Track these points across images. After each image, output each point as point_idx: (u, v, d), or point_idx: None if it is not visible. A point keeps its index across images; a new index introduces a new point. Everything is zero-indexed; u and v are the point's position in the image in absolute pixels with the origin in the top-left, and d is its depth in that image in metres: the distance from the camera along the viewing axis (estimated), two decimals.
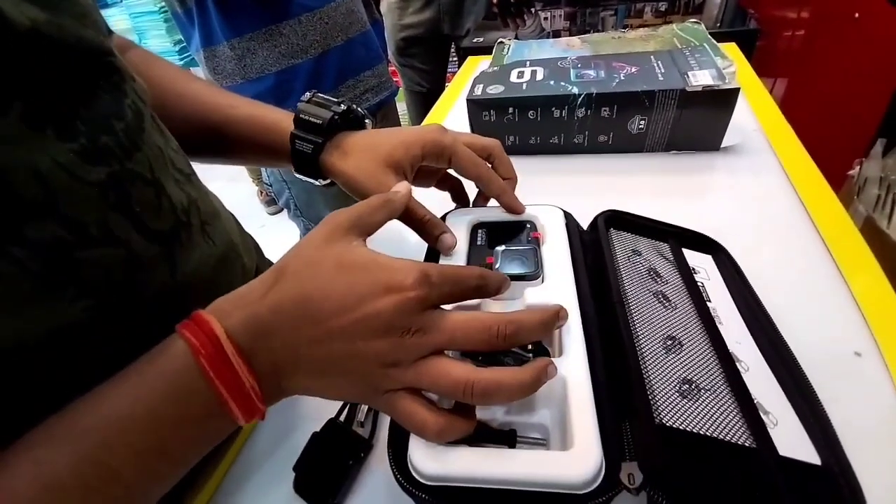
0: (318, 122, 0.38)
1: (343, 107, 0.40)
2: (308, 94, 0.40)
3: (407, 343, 0.23)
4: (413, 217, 0.35)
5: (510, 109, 0.60)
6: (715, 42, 0.77)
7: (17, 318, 0.20)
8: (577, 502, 0.25)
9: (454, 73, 1.61)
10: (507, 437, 0.30)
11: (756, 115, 0.65)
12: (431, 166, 0.39)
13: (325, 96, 0.40)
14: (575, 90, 0.57)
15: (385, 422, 0.36)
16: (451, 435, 0.24)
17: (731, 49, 0.87)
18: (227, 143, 0.43)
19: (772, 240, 0.47)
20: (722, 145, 0.58)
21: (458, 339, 0.24)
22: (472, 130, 0.63)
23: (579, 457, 0.26)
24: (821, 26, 1.43)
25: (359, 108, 0.42)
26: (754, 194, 0.53)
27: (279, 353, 0.23)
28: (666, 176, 0.57)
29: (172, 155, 0.31)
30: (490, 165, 0.39)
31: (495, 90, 0.61)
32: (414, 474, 0.26)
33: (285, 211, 1.09)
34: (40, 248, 0.20)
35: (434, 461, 0.26)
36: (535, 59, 0.74)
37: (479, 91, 0.61)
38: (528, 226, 0.39)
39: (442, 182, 0.44)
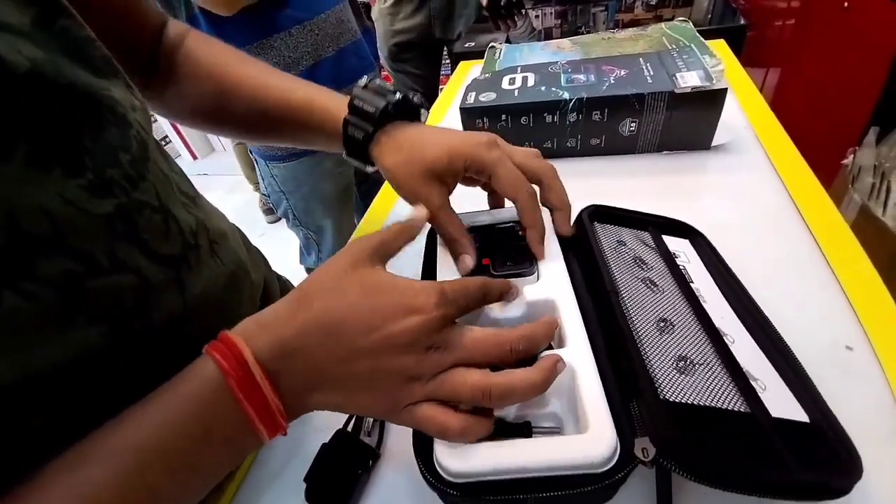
0: (371, 110, 0.38)
1: (398, 95, 0.39)
2: (365, 78, 0.40)
3: (429, 359, 0.25)
4: (444, 232, 0.37)
5: (503, 116, 0.61)
6: (703, 40, 0.78)
7: (33, 350, 0.21)
8: (597, 481, 0.27)
9: (447, 75, 1.62)
10: (523, 430, 0.32)
11: (746, 113, 0.66)
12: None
13: (382, 83, 0.40)
14: (566, 95, 0.58)
15: (391, 431, 0.38)
16: (474, 435, 0.27)
17: (719, 46, 0.88)
18: (285, 128, 0.44)
19: (763, 236, 0.48)
20: (713, 144, 0.59)
21: (476, 355, 0.26)
22: None
23: (595, 438, 0.28)
24: (811, 16, 1.43)
25: (414, 98, 0.41)
26: (745, 192, 0.54)
27: (304, 374, 0.25)
28: (658, 176, 0.58)
29: (177, 179, 0.32)
30: (539, 190, 0.39)
31: (487, 98, 0.62)
32: (442, 474, 0.27)
33: (284, 220, 1.10)
34: (51, 281, 0.21)
35: (460, 459, 0.27)
36: (526, 64, 0.75)
37: (471, 99, 0.62)
38: (517, 226, 0.41)
39: (486, 185, 0.43)
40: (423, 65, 1.52)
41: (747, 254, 0.45)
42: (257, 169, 1.00)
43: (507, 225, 0.42)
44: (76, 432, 0.21)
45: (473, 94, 0.63)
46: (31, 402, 0.22)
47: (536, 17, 1.92)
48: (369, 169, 0.42)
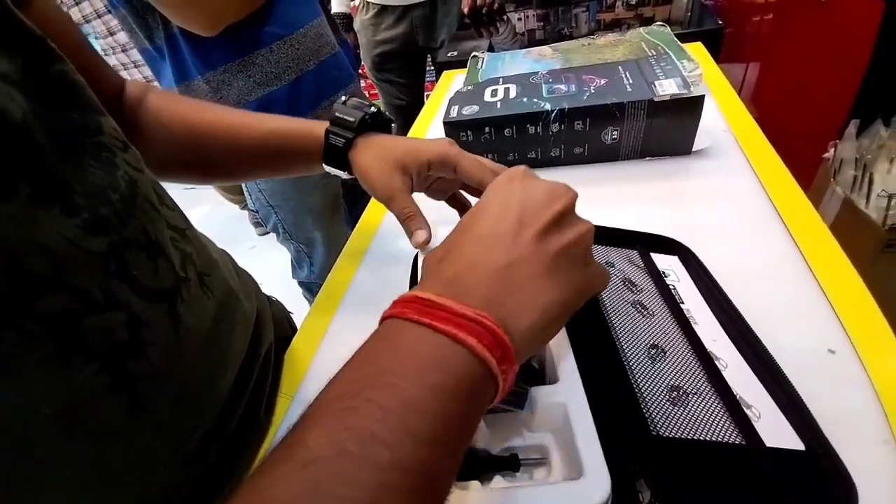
0: (351, 120, 0.44)
1: (374, 109, 0.46)
2: (344, 97, 0.47)
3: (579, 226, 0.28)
4: (399, 212, 0.41)
5: (486, 129, 0.61)
6: (680, 45, 0.79)
7: (32, 389, 0.21)
8: None
9: (433, 82, 1.63)
10: (510, 463, 0.32)
11: (725, 116, 0.67)
12: (443, 177, 0.44)
13: (359, 100, 0.46)
14: (548, 106, 0.59)
15: None
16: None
17: (697, 49, 0.89)
18: (263, 159, 0.48)
19: (744, 241, 0.49)
20: (693, 149, 0.60)
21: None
22: None
23: (590, 483, 0.28)
24: (788, 10, 1.45)
25: (385, 113, 0.48)
26: (726, 195, 0.54)
27: (487, 279, 0.23)
28: (641, 182, 0.59)
29: (167, 213, 0.32)
30: None
31: (470, 111, 0.62)
32: None
33: (275, 234, 1.10)
34: (51, 319, 0.21)
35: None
36: (507, 74, 0.76)
37: (454, 113, 0.62)
38: None
39: (453, 199, 0.48)
40: (407, 73, 1.52)
41: (729, 257, 0.45)
42: (244, 185, 1.00)
43: None
44: (74, 470, 0.21)
45: (456, 107, 0.63)
46: (29, 441, 0.22)
47: (519, 20, 1.93)
48: (345, 175, 0.47)
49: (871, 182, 1.02)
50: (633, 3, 2.00)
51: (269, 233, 2.22)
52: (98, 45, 1.58)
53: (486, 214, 0.26)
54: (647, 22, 1.97)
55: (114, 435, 0.25)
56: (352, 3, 1.46)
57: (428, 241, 0.40)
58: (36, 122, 0.23)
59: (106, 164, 0.27)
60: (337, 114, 0.45)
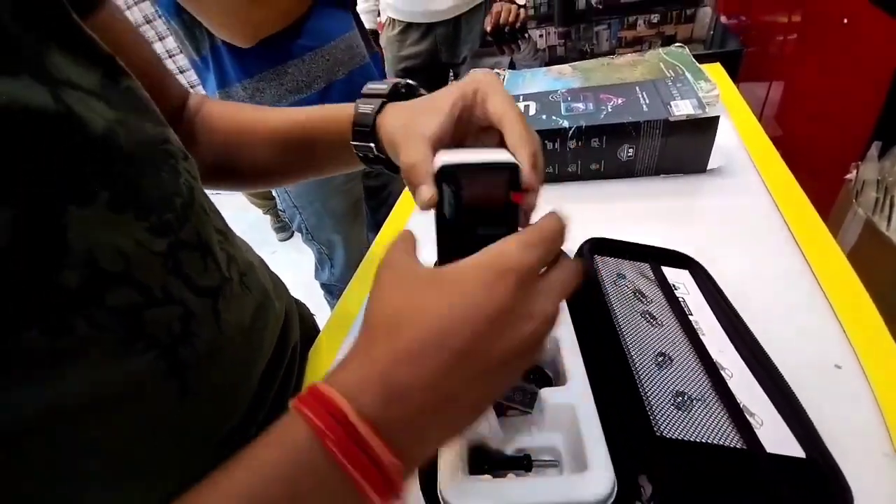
0: (382, 88, 0.39)
1: (409, 81, 0.41)
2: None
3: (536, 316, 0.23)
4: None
5: None
6: (698, 66, 0.81)
7: (98, 373, 0.24)
8: None
9: None
10: (522, 463, 0.34)
11: (741, 136, 0.69)
12: (479, 124, 0.34)
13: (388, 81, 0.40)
14: (566, 123, 0.61)
15: None
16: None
17: (715, 70, 0.90)
18: (305, 150, 0.45)
19: (755, 257, 0.50)
20: (708, 167, 0.62)
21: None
22: None
23: (594, 477, 0.29)
24: (810, 31, 1.46)
25: (417, 85, 0.42)
26: (740, 214, 0.56)
27: (420, 412, 0.21)
28: (655, 200, 0.60)
29: (213, 217, 0.35)
30: None
31: None
32: None
33: (296, 237, 1.14)
34: (118, 311, 0.24)
35: (464, 496, 0.29)
36: (528, 92, 0.78)
37: None
38: (510, 177, 0.28)
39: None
40: (430, 88, 1.55)
41: (741, 274, 0.47)
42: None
43: (499, 166, 0.29)
44: (127, 454, 0.24)
45: None
46: (90, 424, 0.24)
47: (540, 36, 1.97)
48: (371, 149, 0.39)
49: (892, 205, 1.02)
50: (656, 21, 2.02)
51: (290, 237, 2.30)
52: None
53: (453, 309, 0.22)
54: (668, 40, 1.98)
55: (163, 419, 0.28)
56: (378, 20, 1.52)
57: (431, 198, 0.29)
58: (118, 131, 0.26)
59: (172, 171, 0.30)
60: (366, 88, 0.40)
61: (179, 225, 0.29)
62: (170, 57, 1.67)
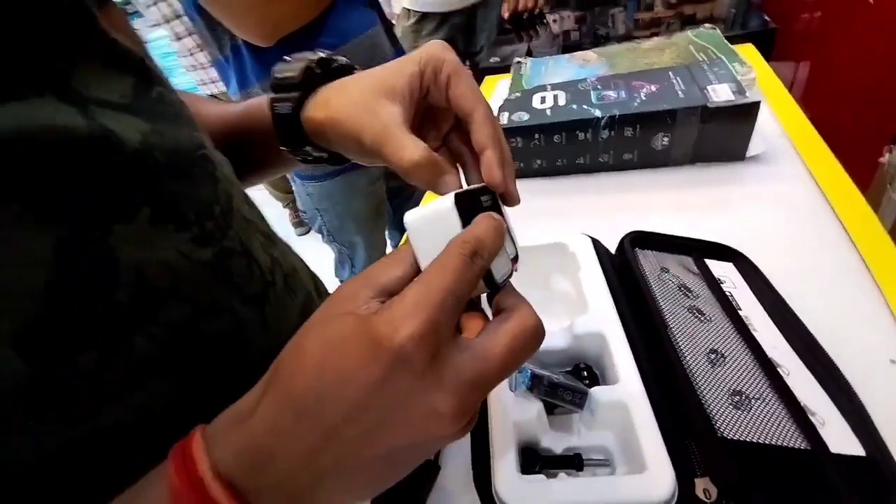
0: (293, 75, 0.32)
1: (321, 54, 0.33)
2: (287, 57, 0.34)
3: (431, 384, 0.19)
4: (400, 154, 0.27)
5: (536, 135, 0.63)
6: (731, 47, 0.78)
7: (158, 388, 0.24)
8: None
9: None
10: (573, 462, 0.33)
11: (780, 120, 0.66)
12: (435, 105, 0.30)
13: (302, 53, 0.34)
14: (598, 113, 0.60)
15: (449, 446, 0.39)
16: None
17: (748, 51, 0.87)
18: (235, 143, 0.38)
19: (802, 247, 0.48)
20: (747, 155, 0.60)
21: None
22: None
23: (653, 478, 0.29)
24: (837, 11, 1.40)
25: (342, 58, 0.35)
26: (783, 202, 0.54)
27: (288, 482, 0.19)
28: (692, 189, 0.59)
29: (256, 220, 0.35)
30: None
31: (520, 118, 0.63)
32: None
33: (320, 235, 1.14)
34: (171, 325, 0.24)
35: (519, 493, 0.29)
36: (552, 80, 0.77)
37: (504, 119, 0.64)
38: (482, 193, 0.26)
39: (447, 148, 0.32)
40: None
41: (787, 265, 0.45)
42: (294, 186, 1.04)
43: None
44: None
45: (506, 114, 0.65)
46: (151, 441, 0.24)
47: (555, 21, 1.93)
48: (313, 153, 0.35)
49: None
50: (673, 1, 1.96)
51: (308, 232, 2.30)
52: (175, 47, 1.67)
53: (330, 376, 0.19)
54: (688, 20, 1.92)
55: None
56: (393, 12, 1.50)
57: (457, 185, 0.27)
58: (153, 143, 0.25)
59: (209, 179, 0.29)
60: (276, 75, 0.33)
61: (222, 233, 0.29)
62: (191, 54, 1.68)
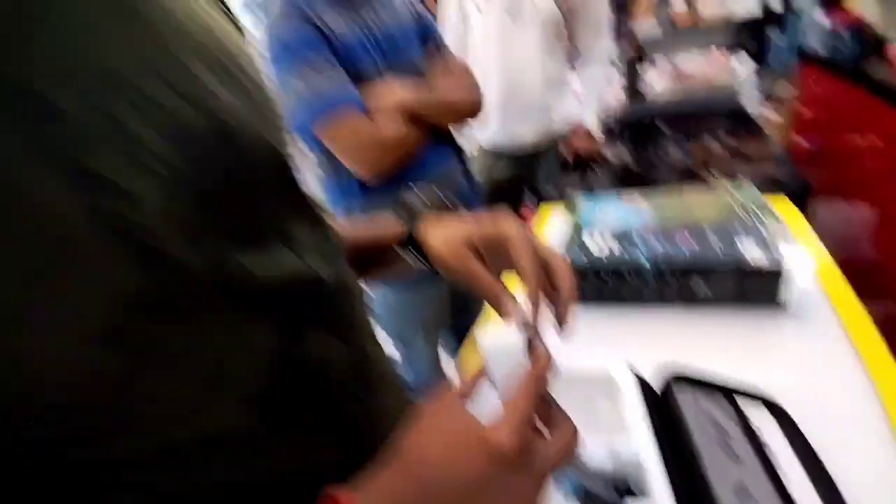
0: (417, 204, 0.48)
1: (440, 194, 0.50)
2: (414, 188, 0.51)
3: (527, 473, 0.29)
4: (481, 292, 0.39)
5: (589, 275, 0.74)
6: (767, 204, 0.88)
7: (316, 446, 0.33)
8: None
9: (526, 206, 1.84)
10: None
11: (814, 271, 0.74)
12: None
13: (421, 187, 0.51)
14: (643, 261, 0.71)
15: None
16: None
17: (783, 203, 0.97)
18: (367, 254, 0.50)
19: (831, 398, 0.54)
20: (782, 303, 0.67)
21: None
22: None
23: None
24: (876, 163, 1.48)
25: (450, 195, 0.51)
26: (814, 350, 0.60)
27: None
28: (731, 331, 0.66)
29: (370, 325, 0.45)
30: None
31: (577, 258, 0.76)
32: None
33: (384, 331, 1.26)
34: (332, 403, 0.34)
35: None
36: (605, 222, 0.90)
37: None
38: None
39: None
40: (513, 206, 1.74)
41: (815, 414, 0.51)
42: (369, 289, 1.20)
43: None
44: None
45: (564, 253, 0.78)
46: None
47: (612, 155, 2.13)
48: (424, 266, 0.47)
49: None
50: (728, 141, 2.12)
51: None
52: None
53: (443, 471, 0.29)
54: (742, 157, 2.05)
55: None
56: (472, 150, 1.75)
57: (520, 317, 0.36)
58: (332, 279, 0.35)
59: (357, 304, 0.42)
60: (406, 200, 0.48)
61: (364, 341, 0.40)
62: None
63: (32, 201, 0.19)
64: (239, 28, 0.38)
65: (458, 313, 1.31)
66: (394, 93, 0.93)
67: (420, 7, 1.08)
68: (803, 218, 0.93)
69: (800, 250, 0.79)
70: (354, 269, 0.49)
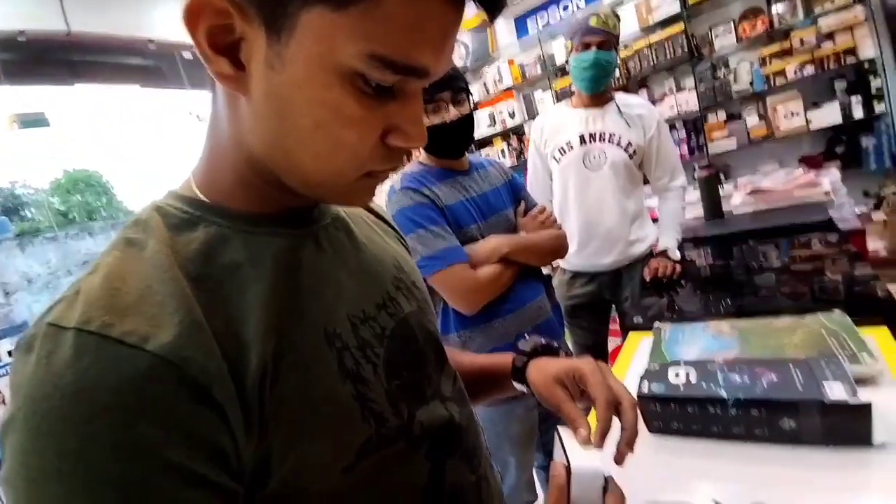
0: (528, 349, 0.67)
1: (543, 341, 0.69)
2: (526, 335, 0.70)
3: None
4: (564, 415, 0.54)
5: (672, 405, 0.80)
6: (860, 335, 0.90)
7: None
8: None
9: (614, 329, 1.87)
10: None
11: None
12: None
13: (537, 337, 0.69)
14: (723, 394, 0.76)
15: None
16: None
17: (882, 334, 0.96)
18: (482, 382, 0.70)
19: None
20: (875, 442, 0.68)
21: None
22: (642, 415, 0.83)
23: None
24: None
25: (553, 343, 0.69)
26: None
27: None
28: (821, 470, 0.67)
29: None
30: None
31: (658, 388, 0.82)
32: None
33: None
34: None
35: None
36: (689, 350, 0.95)
37: (645, 389, 0.83)
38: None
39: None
40: (594, 321, 1.81)
41: None
42: (474, 413, 1.31)
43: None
44: None
45: (646, 382, 0.84)
46: None
47: (698, 257, 2.14)
48: (525, 390, 0.66)
49: None
50: (833, 241, 2.05)
51: None
52: None
53: None
54: (840, 250, 1.96)
55: None
56: (554, 266, 1.90)
57: (587, 439, 0.49)
58: (459, 419, 0.50)
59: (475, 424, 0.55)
60: (519, 345, 0.68)
61: (478, 463, 0.52)
62: None
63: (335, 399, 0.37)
64: (400, 238, 0.58)
65: (545, 426, 1.36)
66: (489, 242, 1.13)
67: (510, 171, 1.33)
68: None
69: (892, 386, 0.79)
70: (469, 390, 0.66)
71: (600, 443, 0.48)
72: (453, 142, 1.17)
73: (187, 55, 4.01)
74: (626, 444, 0.51)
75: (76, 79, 3.95)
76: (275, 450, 0.34)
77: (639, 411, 0.83)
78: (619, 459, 0.51)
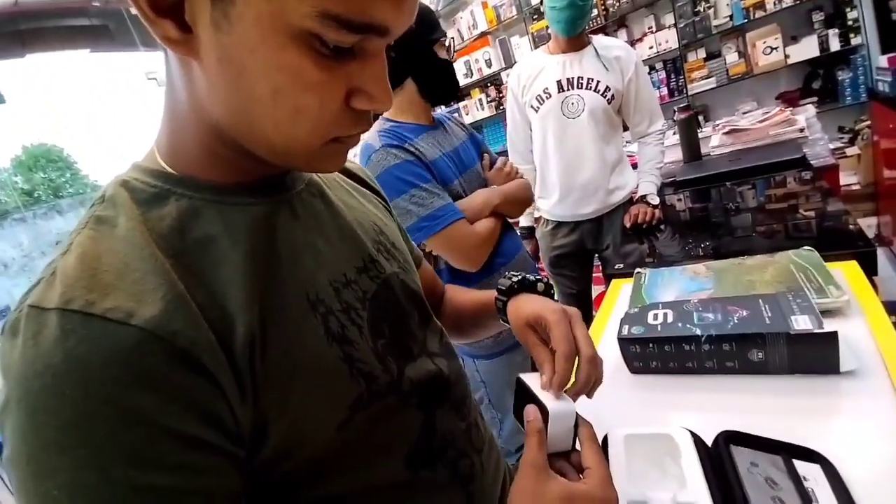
0: (508, 285, 0.63)
1: (517, 277, 0.64)
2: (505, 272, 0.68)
3: None
4: (534, 357, 0.54)
5: (650, 345, 0.84)
6: (828, 269, 0.93)
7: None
8: None
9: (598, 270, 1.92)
10: None
11: (876, 339, 0.78)
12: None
13: (511, 273, 0.66)
14: (698, 332, 0.79)
15: None
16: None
17: (850, 268, 1.01)
18: (476, 318, 0.73)
19: (886, 463, 0.58)
20: (842, 369, 0.72)
21: None
22: (623, 357, 0.87)
23: None
24: None
25: (530, 277, 0.65)
26: (871, 417, 0.65)
27: None
28: (788, 396, 0.72)
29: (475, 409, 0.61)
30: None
31: (637, 330, 0.86)
32: None
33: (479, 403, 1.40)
34: (455, 473, 0.50)
35: None
36: (667, 289, 0.99)
37: (625, 331, 0.87)
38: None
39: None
40: (578, 269, 1.85)
41: (868, 474, 0.56)
42: (462, 365, 1.35)
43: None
44: None
45: (626, 326, 0.88)
46: None
47: (679, 200, 2.18)
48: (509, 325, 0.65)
49: None
50: (807, 178, 2.10)
51: None
52: None
53: None
54: (813, 187, 2.02)
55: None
56: (535, 216, 1.91)
57: (546, 385, 0.49)
58: (446, 371, 0.54)
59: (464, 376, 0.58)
60: (499, 286, 0.65)
61: (468, 411, 0.55)
62: None
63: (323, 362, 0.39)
64: (382, 200, 0.58)
65: None
66: (479, 196, 1.13)
67: (469, 127, 1.31)
68: (868, 284, 0.95)
69: (860, 317, 0.83)
70: (457, 328, 0.70)
71: (557, 392, 0.49)
72: (453, 82, 1.15)
73: (135, 11, 3.77)
74: (576, 395, 0.52)
75: (26, 49, 3.75)
76: (270, 413, 0.36)
77: (620, 353, 0.88)
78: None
